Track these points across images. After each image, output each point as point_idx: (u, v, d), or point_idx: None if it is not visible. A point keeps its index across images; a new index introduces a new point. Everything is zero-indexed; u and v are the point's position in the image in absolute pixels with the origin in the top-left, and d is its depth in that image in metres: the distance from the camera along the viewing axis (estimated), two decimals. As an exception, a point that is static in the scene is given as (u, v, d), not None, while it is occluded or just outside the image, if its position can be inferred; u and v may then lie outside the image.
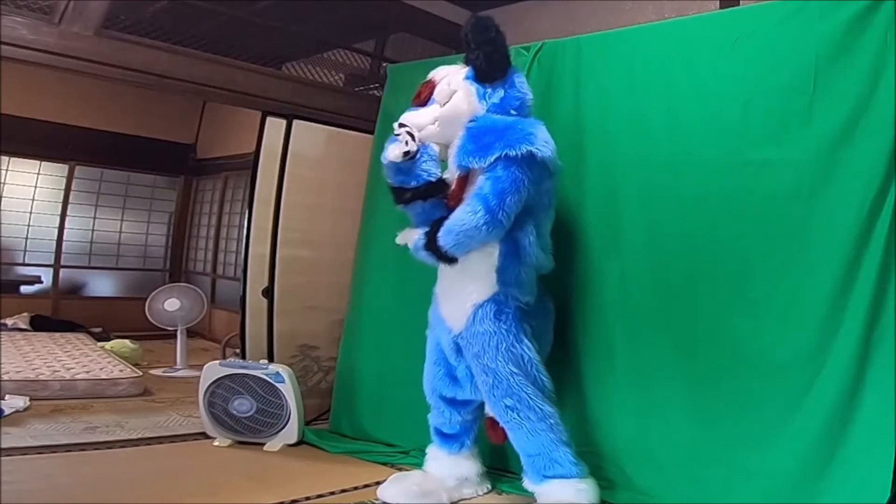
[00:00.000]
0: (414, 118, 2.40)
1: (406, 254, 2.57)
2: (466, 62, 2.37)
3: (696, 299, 2.37)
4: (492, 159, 2.16)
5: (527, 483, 2.34)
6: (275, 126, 3.49)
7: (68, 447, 2.85)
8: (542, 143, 2.20)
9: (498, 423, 2.40)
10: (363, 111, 3.80)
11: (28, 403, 3.40)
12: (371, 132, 3.40)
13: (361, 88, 4.45)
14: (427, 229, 2.32)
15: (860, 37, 2.10)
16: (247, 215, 3.54)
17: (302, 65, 4.24)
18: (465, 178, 2.33)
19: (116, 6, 3.26)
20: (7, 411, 3.22)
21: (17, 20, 3.06)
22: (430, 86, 2.43)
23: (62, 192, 6.32)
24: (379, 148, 3.30)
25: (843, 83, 2.12)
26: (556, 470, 2.25)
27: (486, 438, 2.56)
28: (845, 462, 2.03)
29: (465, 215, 2.18)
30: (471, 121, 2.28)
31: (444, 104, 2.37)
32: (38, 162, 6.23)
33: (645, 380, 2.46)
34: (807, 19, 2.20)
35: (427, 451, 2.61)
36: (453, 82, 2.37)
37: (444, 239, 2.24)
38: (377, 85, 4.23)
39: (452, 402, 2.52)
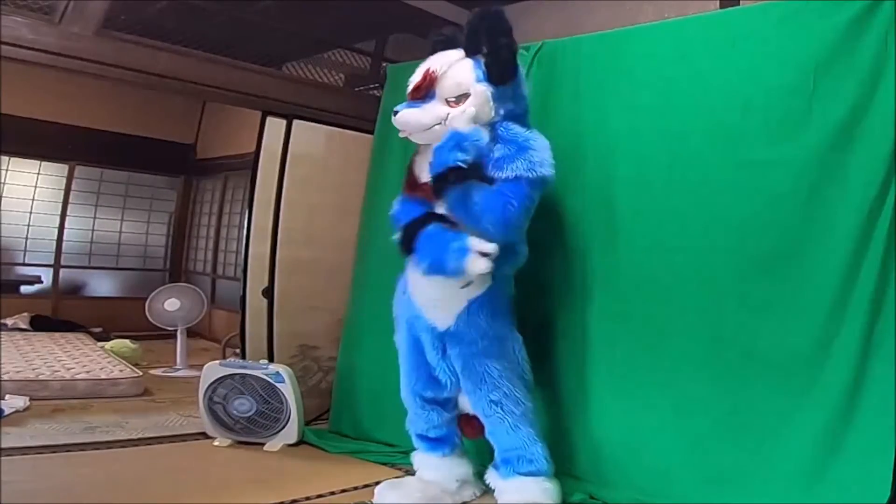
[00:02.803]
0: (417, 117, 2.26)
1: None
2: (468, 53, 2.27)
3: (696, 299, 2.36)
4: (510, 175, 2.17)
5: (491, 475, 2.36)
6: (275, 126, 3.49)
7: (68, 447, 2.85)
8: (551, 165, 2.24)
9: (474, 419, 2.41)
10: (363, 111, 3.80)
11: (28, 403, 3.40)
12: (371, 132, 3.40)
13: (361, 88, 4.45)
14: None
15: (860, 37, 2.09)
16: (247, 215, 3.54)
17: (302, 65, 4.24)
18: None
19: (116, 6, 3.25)
20: (7, 411, 3.22)
21: (17, 20, 3.05)
22: (431, 78, 2.26)
23: (62, 192, 6.32)
24: (379, 148, 3.32)
25: (843, 83, 2.12)
26: (529, 467, 2.28)
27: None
28: (845, 462, 2.03)
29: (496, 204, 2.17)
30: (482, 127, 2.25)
31: (453, 103, 2.24)
32: (38, 162, 6.23)
33: (644, 380, 2.45)
34: (806, 19, 2.19)
35: (413, 459, 2.55)
36: (463, 81, 2.25)
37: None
38: (377, 85, 4.23)
39: (434, 402, 2.47)
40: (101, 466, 2.69)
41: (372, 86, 4.38)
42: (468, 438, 2.54)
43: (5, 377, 3.60)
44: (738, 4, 2.96)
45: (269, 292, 3.42)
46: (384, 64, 4.23)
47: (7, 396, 3.39)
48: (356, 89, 4.44)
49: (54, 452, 2.78)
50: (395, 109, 2.30)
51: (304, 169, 3.55)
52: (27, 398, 3.44)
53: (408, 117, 2.28)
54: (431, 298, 2.35)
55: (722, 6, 3.01)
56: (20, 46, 3.07)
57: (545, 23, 3.54)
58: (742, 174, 2.28)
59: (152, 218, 6.95)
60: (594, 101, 2.65)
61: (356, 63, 4.43)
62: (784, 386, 2.16)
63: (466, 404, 2.43)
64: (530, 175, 2.18)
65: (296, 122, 3.53)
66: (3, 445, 2.70)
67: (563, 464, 2.46)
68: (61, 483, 2.45)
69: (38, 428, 3.09)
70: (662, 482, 2.36)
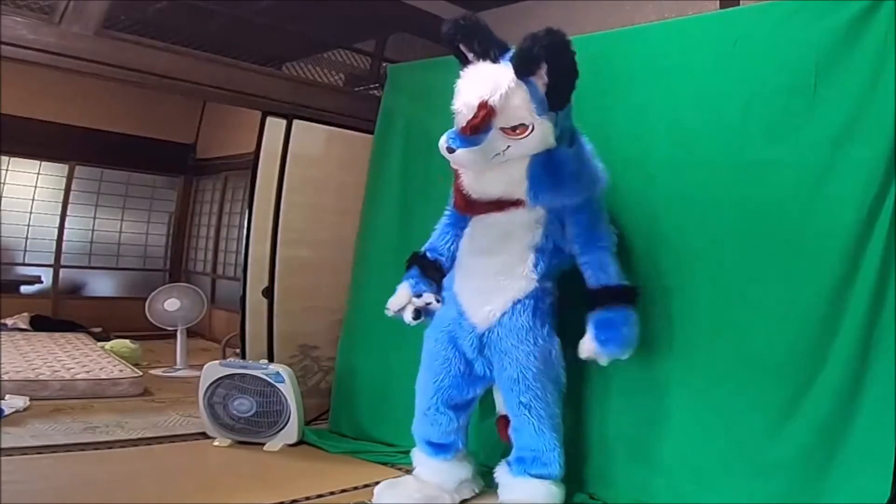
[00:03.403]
0: (476, 158, 2.13)
1: (405, 254, 2.58)
2: (519, 73, 2.09)
3: (696, 299, 2.36)
4: (580, 200, 2.28)
5: (501, 470, 2.37)
6: (275, 126, 3.49)
7: (68, 447, 2.85)
8: (602, 170, 2.35)
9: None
10: (363, 111, 3.80)
11: (28, 403, 3.40)
12: (371, 132, 3.40)
13: (361, 88, 4.45)
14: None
15: (860, 37, 2.09)
16: (247, 215, 3.55)
17: (302, 65, 4.24)
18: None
19: (116, 6, 3.26)
20: (7, 411, 3.22)
21: (17, 20, 3.06)
22: (489, 114, 2.07)
23: (62, 192, 6.32)
24: (379, 148, 3.32)
25: (844, 83, 2.12)
26: (541, 470, 2.29)
27: (478, 437, 2.57)
28: (845, 462, 2.03)
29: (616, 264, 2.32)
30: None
31: (509, 132, 2.13)
32: (38, 162, 6.22)
33: (645, 379, 2.45)
34: (807, 19, 2.19)
35: (413, 457, 2.53)
36: (524, 114, 2.10)
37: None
38: (377, 85, 4.23)
39: (456, 407, 2.44)
40: (101, 466, 2.69)
41: (372, 86, 4.39)
42: (505, 442, 2.48)
43: (5, 377, 3.60)
44: (738, 4, 2.96)
45: (269, 292, 3.42)
46: (384, 64, 4.23)
47: (7, 396, 3.39)
48: (356, 89, 4.44)
49: (54, 452, 2.78)
50: (449, 146, 2.11)
51: (303, 169, 3.55)
52: (27, 398, 3.44)
53: (466, 159, 2.14)
54: (477, 300, 2.35)
55: (722, 6, 3.01)
56: (20, 46, 3.08)
57: (545, 23, 3.52)
58: (742, 174, 2.28)
59: (152, 218, 6.95)
60: (594, 101, 2.63)
61: (356, 63, 4.44)
62: (784, 385, 2.16)
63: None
64: (597, 192, 2.33)
65: (296, 122, 3.53)
66: (3, 445, 2.69)
67: (565, 464, 2.46)
68: (61, 483, 2.45)
69: (38, 428, 3.09)
70: (662, 482, 2.36)
